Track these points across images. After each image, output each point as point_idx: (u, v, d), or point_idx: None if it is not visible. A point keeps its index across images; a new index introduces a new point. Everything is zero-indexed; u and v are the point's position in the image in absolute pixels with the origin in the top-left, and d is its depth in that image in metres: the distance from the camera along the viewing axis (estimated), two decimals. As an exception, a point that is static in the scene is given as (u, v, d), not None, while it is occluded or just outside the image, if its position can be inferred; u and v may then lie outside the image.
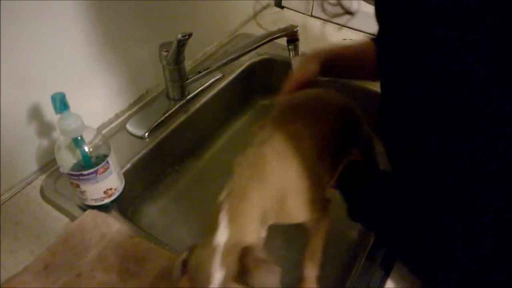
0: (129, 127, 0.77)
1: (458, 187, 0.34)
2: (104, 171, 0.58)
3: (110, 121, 0.78)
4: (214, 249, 0.42)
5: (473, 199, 0.33)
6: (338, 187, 0.55)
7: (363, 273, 0.57)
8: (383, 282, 0.56)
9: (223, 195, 0.47)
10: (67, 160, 0.57)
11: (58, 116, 0.53)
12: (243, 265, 0.41)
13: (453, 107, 0.31)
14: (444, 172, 0.34)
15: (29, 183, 0.67)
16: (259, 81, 0.98)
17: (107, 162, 0.58)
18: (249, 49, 0.83)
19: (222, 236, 0.43)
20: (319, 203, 0.53)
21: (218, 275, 0.41)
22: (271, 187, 0.47)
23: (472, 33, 0.28)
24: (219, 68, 0.83)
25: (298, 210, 0.51)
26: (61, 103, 0.50)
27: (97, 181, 0.58)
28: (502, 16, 0.27)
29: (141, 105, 0.82)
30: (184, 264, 0.44)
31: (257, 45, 0.83)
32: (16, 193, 0.65)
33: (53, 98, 0.51)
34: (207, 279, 0.41)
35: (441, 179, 0.34)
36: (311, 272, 0.58)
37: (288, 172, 0.49)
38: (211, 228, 0.45)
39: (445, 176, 0.34)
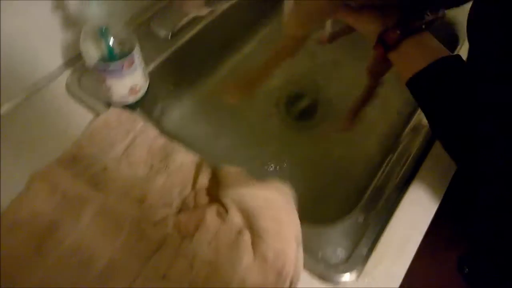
0: (152, 26, 0.73)
1: None
2: (129, 66, 0.56)
3: (134, 17, 0.74)
4: None
5: None
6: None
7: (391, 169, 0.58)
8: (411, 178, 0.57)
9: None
10: (92, 51, 0.55)
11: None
12: None
13: None
14: None
15: (55, 78, 0.66)
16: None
17: (132, 56, 0.56)
18: None
19: None
20: None
21: None
22: None
23: None
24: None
25: None
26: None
27: (123, 76, 0.57)
28: None
29: (164, 4, 0.77)
30: None
31: None
32: (42, 88, 0.65)
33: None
34: None
35: None
36: None
37: None
38: None
39: None
